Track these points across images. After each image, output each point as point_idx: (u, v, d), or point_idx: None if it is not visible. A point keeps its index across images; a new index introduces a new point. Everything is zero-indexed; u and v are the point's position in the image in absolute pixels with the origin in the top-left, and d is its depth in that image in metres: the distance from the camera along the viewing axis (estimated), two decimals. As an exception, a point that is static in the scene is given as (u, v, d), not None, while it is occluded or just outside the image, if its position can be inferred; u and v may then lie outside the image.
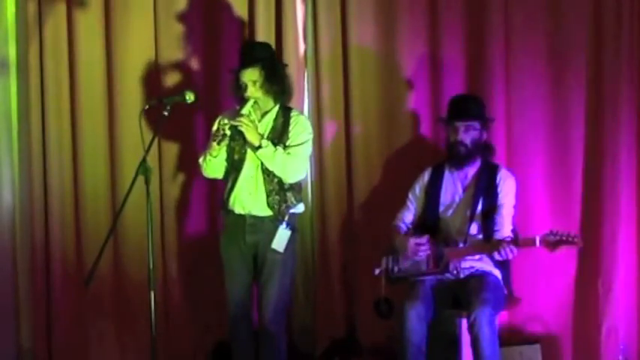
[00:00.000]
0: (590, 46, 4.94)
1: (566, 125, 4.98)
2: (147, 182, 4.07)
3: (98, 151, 5.21)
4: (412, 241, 4.51)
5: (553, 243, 4.20)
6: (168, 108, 4.25)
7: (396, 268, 4.57)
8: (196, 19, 5.17)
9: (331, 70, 5.15)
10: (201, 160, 4.55)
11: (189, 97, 4.39)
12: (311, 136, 4.52)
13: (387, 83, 5.13)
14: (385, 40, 5.12)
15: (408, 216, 4.71)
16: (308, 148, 4.50)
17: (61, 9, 5.16)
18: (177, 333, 5.19)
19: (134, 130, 4.82)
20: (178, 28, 5.15)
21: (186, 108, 4.65)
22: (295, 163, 4.40)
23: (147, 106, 4.30)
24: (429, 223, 4.61)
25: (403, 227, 4.68)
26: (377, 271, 4.62)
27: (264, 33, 5.09)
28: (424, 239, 4.49)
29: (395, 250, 4.61)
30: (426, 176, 4.70)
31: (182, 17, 5.15)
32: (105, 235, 4.26)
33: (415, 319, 4.29)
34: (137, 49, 5.18)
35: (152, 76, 5.18)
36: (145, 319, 4.36)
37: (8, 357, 5.16)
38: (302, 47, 5.16)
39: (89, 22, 5.17)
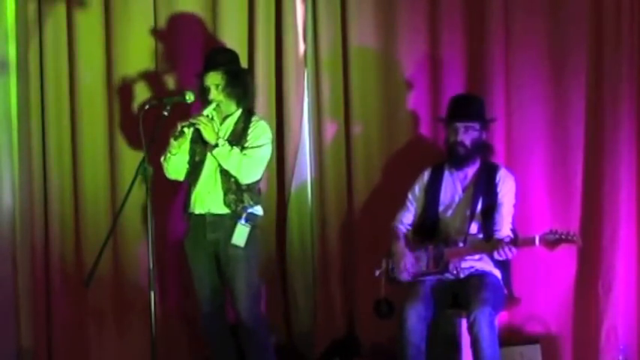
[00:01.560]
0: (590, 45, 4.94)
1: (566, 125, 4.98)
2: (147, 182, 4.08)
3: (98, 151, 5.21)
4: (408, 258, 4.52)
5: (552, 242, 4.20)
6: (168, 108, 4.29)
7: (396, 269, 4.57)
8: (196, 18, 5.16)
9: (331, 70, 5.15)
10: (162, 159, 4.58)
11: (189, 97, 4.44)
12: (269, 141, 4.56)
13: (387, 83, 5.13)
14: (385, 40, 5.12)
15: (408, 217, 4.70)
16: (265, 152, 4.53)
17: (61, 9, 5.17)
18: (177, 333, 5.19)
19: (134, 130, 4.83)
20: (178, 28, 5.15)
21: (186, 108, 4.66)
22: (250, 165, 4.45)
23: (147, 106, 4.31)
24: (428, 223, 4.61)
25: (402, 229, 4.68)
26: (377, 273, 4.62)
27: (264, 33, 5.09)
28: (414, 262, 4.50)
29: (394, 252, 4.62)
30: (425, 176, 4.70)
31: (182, 17, 5.15)
32: (105, 235, 4.27)
33: (415, 319, 4.29)
34: (137, 49, 5.18)
35: (152, 76, 5.18)
36: (144, 319, 4.37)
37: (8, 357, 5.16)
38: (302, 47, 5.16)
39: (89, 22, 5.17)
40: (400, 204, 4.74)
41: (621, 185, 4.88)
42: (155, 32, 5.18)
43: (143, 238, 4.96)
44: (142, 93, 5.17)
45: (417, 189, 4.70)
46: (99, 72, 5.19)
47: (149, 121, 4.20)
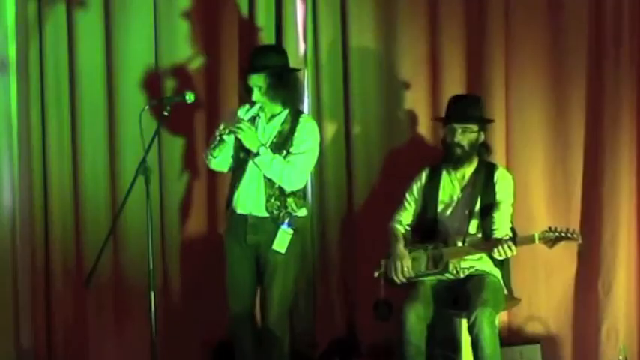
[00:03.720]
0: (590, 45, 4.94)
1: (566, 125, 4.98)
2: (147, 182, 4.08)
3: (98, 151, 5.21)
4: (404, 260, 4.50)
5: (552, 239, 4.21)
6: (169, 108, 4.28)
7: (391, 271, 4.56)
8: (196, 19, 5.16)
9: (331, 70, 5.15)
10: (204, 156, 4.59)
11: (190, 97, 4.42)
12: (316, 145, 4.50)
13: (387, 83, 5.13)
14: (385, 40, 5.12)
15: (406, 217, 4.70)
16: (310, 158, 4.48)
17: (61, 9, 5.16)
18: (177, 333, 5.19)
19: (134, 131, 4.83)
20: (178, 28, 5.15)
21: (187, 108, 4.66)
22: (293, 173, 4.40)
23: (147, 106, 4.31)
24: (427, 223, 4.61)
25: (400, 229, 4.67)
26: (376, 274, 4.62)
27: (264, 33, 5.09)
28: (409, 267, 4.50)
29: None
30: (423, 177, 4.69)
31: (182, 17, 5.15)
32: (105, 235, 4.27)
33: (415, 319, 4.29)
34: (137, 49, 5.17)
35: (152, 76, 5.17)
36: (145, 319, 4.36)
37: (8, 357, 5.16)
38: (302, 47, 5.16)
39: (89, 22, 5.17)
40: (400, 204, 4.73)
41: (621, 185, 4.88)
42: (155, 32, 5.17)
43: (144, 237, 4.95)
44: (142, 92, 5.17)
45: (415, 189, 4.70)
46: (99, 72, 5.19)
47: (149, 121, 4.20)
